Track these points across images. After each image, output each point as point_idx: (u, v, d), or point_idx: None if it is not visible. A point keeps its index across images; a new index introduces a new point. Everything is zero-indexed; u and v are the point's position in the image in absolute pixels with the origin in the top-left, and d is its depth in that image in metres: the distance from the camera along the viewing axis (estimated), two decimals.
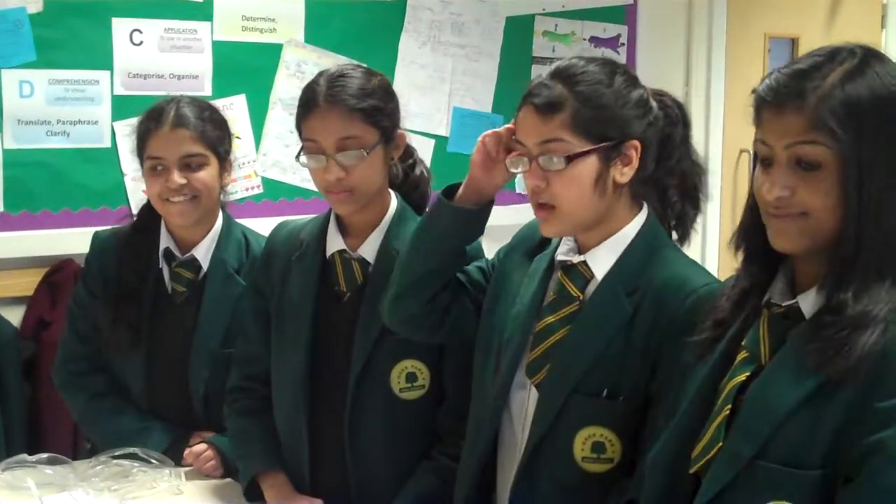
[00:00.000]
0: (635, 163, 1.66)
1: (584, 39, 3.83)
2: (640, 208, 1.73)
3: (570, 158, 1.62)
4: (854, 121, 1.29)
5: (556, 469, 1.67)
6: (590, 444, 1.65)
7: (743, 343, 1.41)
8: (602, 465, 1.65)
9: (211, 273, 2.34)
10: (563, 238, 1.76)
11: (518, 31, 3.70)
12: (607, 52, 3.86)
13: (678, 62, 4.14)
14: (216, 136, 2.31)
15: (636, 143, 1.65)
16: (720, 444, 1.37)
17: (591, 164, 1.63)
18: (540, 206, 1.68)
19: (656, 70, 3.89)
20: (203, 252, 2.34)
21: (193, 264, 2.34)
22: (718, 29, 4.19)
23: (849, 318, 1.27)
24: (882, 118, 1.30)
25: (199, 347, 2.30)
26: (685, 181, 1.77)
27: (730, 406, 1.37)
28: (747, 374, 1.38)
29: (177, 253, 2.35)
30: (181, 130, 2.26)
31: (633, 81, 1.69)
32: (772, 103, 1.34)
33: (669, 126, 1.73)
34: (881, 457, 1.22)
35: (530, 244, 1.85)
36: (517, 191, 3.29)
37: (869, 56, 1.33)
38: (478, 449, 1.79)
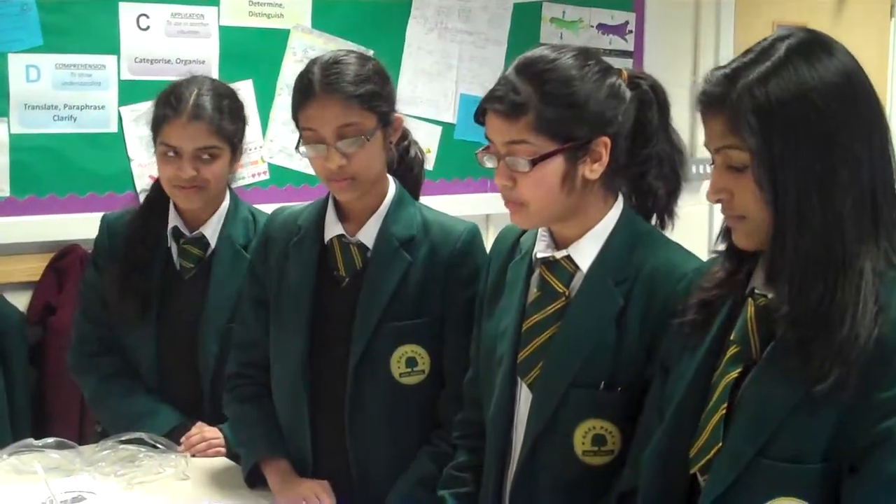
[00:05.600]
0: (605, 159, 1.64)
1: (592, 26, 3.81)
2: (616, 198, 1.72)
3: (535, 161, 1.60)
4: (764, 123, 1.30)
5: (557, 464, 1.67)
6: (590, 437, 1.65)
7: (732, 337, 1.41)
8: (603, 458, 1.65)
9: (219, 249, 2.35)
10: (538, 236, 1.75)
11: (526, 17, 3.69)
12: (615, 40, 3.85)
13: (686, 50, 4.12)
14: (232, 129, 2.31)
15: (605, 139, 1.63)
16: (719, 444, 1.36)
17: (557, 165, 1.62)
18: (509, 201, 1.67)
19: (664, 58, 3.88)
20: (211, 230, 2.36)
21: (201, 241, 2.35)
22: (726, 17, 4.18)
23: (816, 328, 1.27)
24: (792, 118, 1.30)
25: (209, 323, 2.31)
26: (663, 164, 1.75)
27: (725, 404, 1.37)
28: (739, 370, 1.38)
29: (185, 231, 2.36)
30: (198, 123, 2.25)
31: (605, 71, 1.66)
32: (700, 109, 1.37)
33: (643, 111, 1.70)
34: (888, 445, 1.23)
35: (503, 253, 1.84)
36: None
37: (798, 51, 1.32)
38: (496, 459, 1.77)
